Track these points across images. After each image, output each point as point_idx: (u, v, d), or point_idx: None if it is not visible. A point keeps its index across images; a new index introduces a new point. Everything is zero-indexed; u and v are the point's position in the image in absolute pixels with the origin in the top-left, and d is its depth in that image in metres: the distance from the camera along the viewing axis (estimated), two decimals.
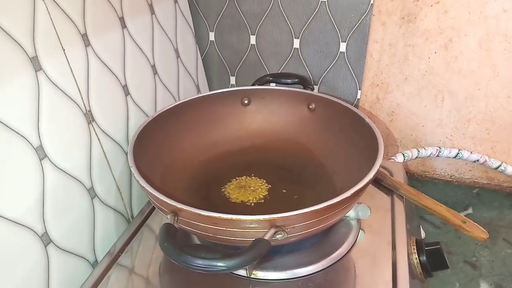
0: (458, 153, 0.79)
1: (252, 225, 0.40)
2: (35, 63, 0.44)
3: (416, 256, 0.52)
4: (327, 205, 0.41)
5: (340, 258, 0.50)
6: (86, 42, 0.52)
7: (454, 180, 0.85)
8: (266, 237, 0.38)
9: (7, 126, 0.41)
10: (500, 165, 0.79)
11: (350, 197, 0.42)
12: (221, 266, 0.35)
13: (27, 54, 0.44)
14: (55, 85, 0.47)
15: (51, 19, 0.47)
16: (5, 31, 0.41)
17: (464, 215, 0.78)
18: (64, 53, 0.49)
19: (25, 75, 0.43)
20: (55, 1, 0.47)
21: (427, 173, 0.86)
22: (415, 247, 0.53)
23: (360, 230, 0.55)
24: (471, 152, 0.79)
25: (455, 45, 0.72)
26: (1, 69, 0.41)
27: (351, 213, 0.54)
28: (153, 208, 0.61)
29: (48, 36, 0.47)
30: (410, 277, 0.48)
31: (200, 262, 0.35)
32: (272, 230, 0.39)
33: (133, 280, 0.50)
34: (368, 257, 0.51)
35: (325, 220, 0.43)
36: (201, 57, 0.86)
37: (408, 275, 0.48)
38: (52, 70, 0.47)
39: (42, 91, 0.45)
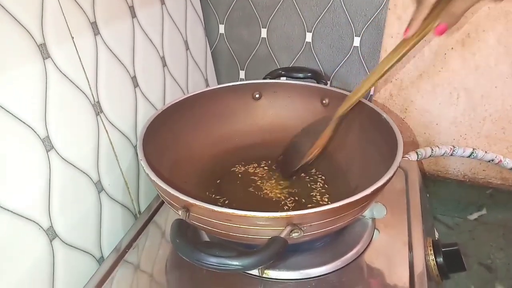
0: (473, 153, 0.77)
1: (267, 223, 0.38)
2: (43, 51, 0.43)
3: (433, 257, 0.51)
4: (345, 203, 0.39)
5: (355, 259, 0.49)
6: (96, 31, 0.51)
7: (467, 180, 0.83)
8: (283, 235, 0.37)
9: (14, 115, 0.40)
10: None
11: (369, 195, 0.41)
12: (236, 265, 0.33)
13: (35, 41, 0.42)
14: (63, 74, 0.45)
15: (60, 5, 0.45)
16: (13, 16, 0.39)
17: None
18: (73, 41, 0.47)
19: (32, 63, 0.42)
20: None
21: (439, 173, 0.84)
22: (431, 248, 0.51)
23: (375, 230, 0.53)
24: (486, 152, 0.77)
25: (473, 41, 0.70)
26: (8, 56, 0.39)
27: (366, 212, 0.53)
28: (161, 204, 0.59)
29: (57, 23, 0.45)
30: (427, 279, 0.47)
31: (214, 260, 0.34)
32: (288, 228, 0.37)
33: (139, 277, 0.48)
34: (384, 258, 0.49)
35: (342, 218, 0.42)
36: (211, 50, 0.84)
37: (426, 277, 0.47)
38: (61, 58, 0.45)
39: (50, 80, 0.44)
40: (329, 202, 0.52)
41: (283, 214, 0.37)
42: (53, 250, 0.44)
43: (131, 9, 0.58)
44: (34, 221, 0.42)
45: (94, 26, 0.51)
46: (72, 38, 0.47)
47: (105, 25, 0.52)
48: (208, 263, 0.34)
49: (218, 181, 0.59)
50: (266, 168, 0.61)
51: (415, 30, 0.45)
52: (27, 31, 0.41)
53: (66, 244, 0.46)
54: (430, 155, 0.78)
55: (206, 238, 0.52)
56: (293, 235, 0.38)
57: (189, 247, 0.35)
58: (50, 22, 0.44)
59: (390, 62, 0.48)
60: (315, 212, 0.38)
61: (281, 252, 0.35)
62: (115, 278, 0.48)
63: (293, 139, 0.59)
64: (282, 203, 0.54)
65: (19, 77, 0.40)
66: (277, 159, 0.60)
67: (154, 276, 0.48)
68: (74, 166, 0.47)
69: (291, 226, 0.38)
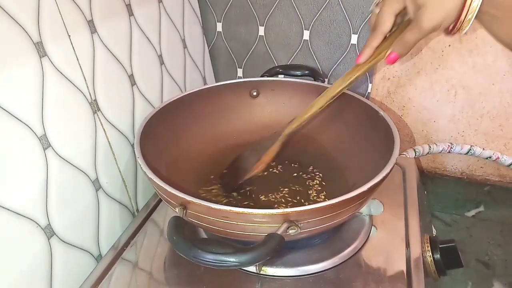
0: (470, 150, 0.78)
1: (264, 220, 0.38)
2: (40, 49, 0.43)
3: (430, 254, 0.51)
4: (342, 200, 0.39)
5: (352, 255, 0.49)
6: (92, 29, 0.51)
7: (465, 177, 0.83)
8: (279, 232, 0.37)
9: (10, 114, 0.40)
10: None
11: (366, 192, 0.41)
12: (233, 262, 0.33)
13: (31, 39, 0.42)
14: (60, 72, 0.45)
15: (56, 3, 0.45)
16: (9, 14, 0.39)
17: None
18: (70, 39, 0.47)
19: (29, 61, 0.42)
20: None
21: (437, 170, 0.84)
22: (429, 244, 0.51)
23: (372, 227, 0.53)
24: (484, 149, 0.78)
25: (470, 38, 0.70)
26: (4, 54, 0.39)
27: (363, 209, 0.53)
28: (159, 202, 0.59)
29: (53, 21, 0.45)
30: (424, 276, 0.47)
31: (211, 257, 0.34)
32: (285, 225, 0.38)
33: (138, 275, 0.48)
34: (381, 255, 0.49)
35: (339, 215, 0.42)
36: (208, 48, 0.84)
37: (423, 273, 0.47)
38: (57, 56, 0.45)
39: (46, 78, 0.44)
40: (326, 200, 0.52)
41: (280, 211, 0.37)
42: (51, 248, 0.44)
43: (128, 7, 0.58)
44: (31, 219, 0.42)
45: (91, 24, 0.51)
46: (69, 36, 0.47)
47: (102, 23, 0.52)
48: (205, 260, 0.34)
49: (215, 179, 0.59)
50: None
51: (367, 57, 0.46)
52: (24, 29, 0.41)
53: (64, 242, 0.46)
54: (428, 152, 0.78)
55: (204, 236, 0.52)
56: (290, 232, 0.38)
57: (186, 244, 0.35)
58: (46, 20, 0.44)
59: (341, 85, 0.49)
60: (312, 208, 0.38)
61: (278, 248, 0.35)
62: (113, 275, 0.48)
63: (239, 155, 0.59)
64: (279, 200, 0.54)
65: (16, 75, 0.40)
66: (221, 173, 0.59)
67: (152, 273, 0.48)
68: (72, 164, 0.47)
69: (288, 223, 0.38)
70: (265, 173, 0.59)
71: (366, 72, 0.47)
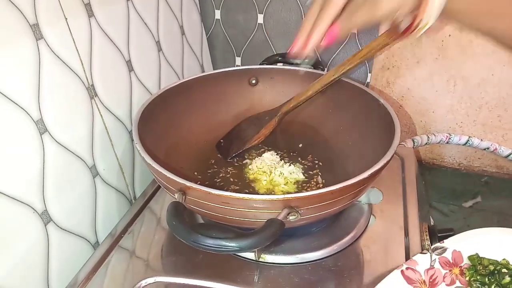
0: (468, 140, 0.78)
1: (265, 205, 0.38)
2: (36, 31, 0.42)
3: (429, 242, 0.51)
4: (343, 186, 0.39)
5: (351, 243, 0.49)
6: (90, 13, 0.50)
7: (463, 168, 0.83)
8: (280, 218, 0.36)
9: (6, 97, 0.39)
10: (510, 153, 0.77)
11: (366, 179, 0.40)
12: (233, 247, 0.33)
13: (27, 21, 0.41)
14: (56, 55, 0.45)
15: None
16: None
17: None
18: (67, 22, 0.46)
19: (25, 43, 0.41)
20: None
21: (435, 161, 0.84)
22: (427, 233, 0.51)
23: (371, 216, 0.53)
24: (481, 140, 0.78)
25: None
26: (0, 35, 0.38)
27: (362, 198, 0.53)
28: (156, 190, 0.59)
29: (50, 3, 0.44)
30: None
31: (211, 242, 0.33)
32: (286, 211, 0.37)
33: (135, 263, 0.48)
34: (380, 243, 0.49)
35: (339, 202, 0.42)
36: (206, 36, 0.83)
37: None
38: (54, 39, 0.44)
39: (43, 61, 0.43)
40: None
41: (281, 196, 0.37)
42: (47, 234, 0.44)
43: None
44: (28, 205, 0.41)
45: (88, 8, 0.50)
46: (66, 19, 0.46)
47: (100, 7, 0.51)
48: (205, 244, 0.34)
49: (214, 167, 0.58)
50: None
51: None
52: (20, 10, 0.40)
53: (61, 228, 0.46)
54: (426, 143, 0.78)
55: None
56: (290, 218, 0.38)
57: (186, 228, 0.34)
58: (43, 2, 0.43)
59: (351, 63, 0.50)
60: (312, 194, 0.38)
61: (278, 234, 0.35)
62: (110, 263, 0.48)
63: (235, 127, 0.62)
64: (278, 188, 0.54)
65: (12, 57, 0.40)
66: (218, 142, 0.62)
67: (149, 261, 0.48)
68: (68, 150, 0.47)
69: (288, 208, 0.38)
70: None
71: (365, 61, 0.47)
